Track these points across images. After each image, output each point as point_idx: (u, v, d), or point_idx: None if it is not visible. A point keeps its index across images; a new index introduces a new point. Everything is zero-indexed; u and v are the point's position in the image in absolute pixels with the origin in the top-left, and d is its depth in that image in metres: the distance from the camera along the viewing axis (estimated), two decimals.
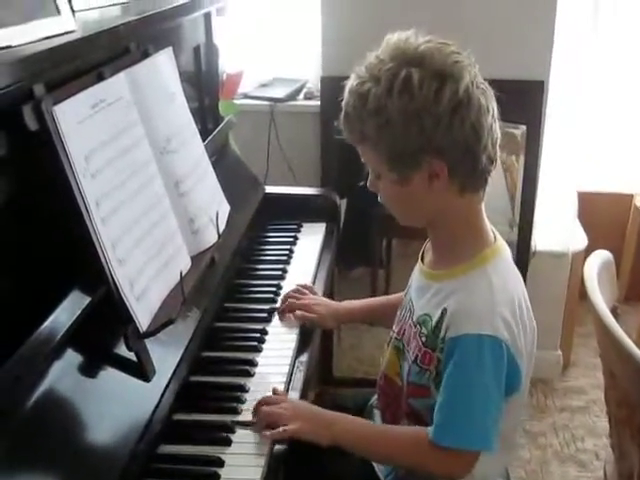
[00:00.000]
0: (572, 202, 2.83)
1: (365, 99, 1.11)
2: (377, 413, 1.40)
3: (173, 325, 1.16)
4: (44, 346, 0.95)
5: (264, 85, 2.83)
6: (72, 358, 1.02)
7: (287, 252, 1.82)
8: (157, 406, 1.13)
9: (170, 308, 1.20)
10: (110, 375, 1.09)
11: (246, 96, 2.74)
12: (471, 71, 1.12)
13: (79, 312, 1.02)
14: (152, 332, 1.14)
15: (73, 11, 1.22)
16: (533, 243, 2.52)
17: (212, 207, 1.49)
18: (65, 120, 1.03)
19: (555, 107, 2.53)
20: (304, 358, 1.44)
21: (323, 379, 2.62)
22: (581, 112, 2.97)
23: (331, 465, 1.29)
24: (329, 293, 1.74)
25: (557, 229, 2.73)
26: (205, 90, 1.89)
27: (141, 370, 1.12)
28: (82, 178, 1.05)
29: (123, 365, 1.11)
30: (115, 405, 1.06)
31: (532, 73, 2.29)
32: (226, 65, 2.34)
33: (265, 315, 1.54)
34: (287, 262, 1.78)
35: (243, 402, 1.26)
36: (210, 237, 1.44)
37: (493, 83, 1.15)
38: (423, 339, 1.20)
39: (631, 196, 3.12)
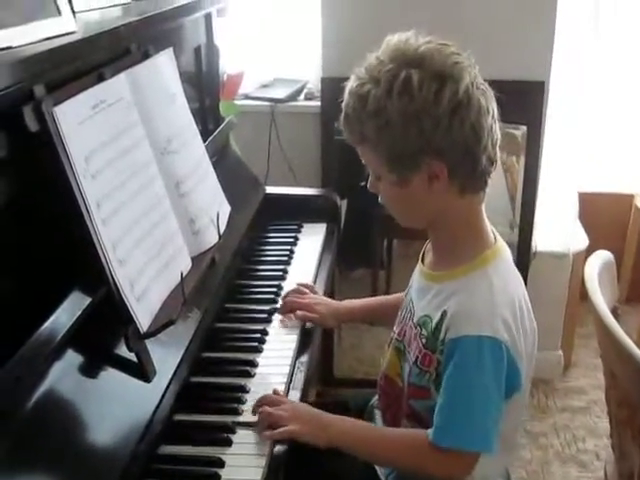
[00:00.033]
0: (573, 202, 2.83)
1: (365, 100, 1.11)
2: (378, 413, 1.40)
3: (174, 326, 1.17)
4: (45, 347, 0.95)
5: (265, 86, 2.83)
6: (73, 359, 1.02)
7: (288, 253, 1.82)
8: (158, 407, 1.13)
9: (171, 309, 1.20)
10: (111, 376, 1.09)
11: (247, 97, 2.74)
12: (471, 72, 1.12)
13: (80, 313, 1.02)
14: (152, 333, 1.14)
15: (74, 12, 1.23)
16: (534, 244, 2.52)
17: (213, 208, 1.49)
18: (65, 121, 1.03)
19: (555, 108, 2.53)
20: (304, 358, 1.43)
21: (324, 379, 2.62)
22: (581, 112, 2.97)
23: (332, 465, 1.29)
24: (330, 294, 1.74)
25: (558, 230, 2.73)
26: (206, 91, 1.89)
27: (142, 371, 1.12)
28: (82, 179, 1.05)
29: (124, 366, 1.11)
30: (116, 406, 1.06)
31: (533, 74, 2.29)
32: (227, 66, 2.35)
33: (266, 316, 1.54)
34: (288, 263, 1.78)
35: (244, 403, 1.26)
36: (211, 238, 1.45)
37: (493, 84, 1.15)
38: (423, 341, 1.20)
39: (632, 196, 3.11)
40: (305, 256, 1.83)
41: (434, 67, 1.09)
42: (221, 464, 1.13)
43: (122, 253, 1.11)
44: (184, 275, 1.27)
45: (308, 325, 1.54)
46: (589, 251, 2.37)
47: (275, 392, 1.27)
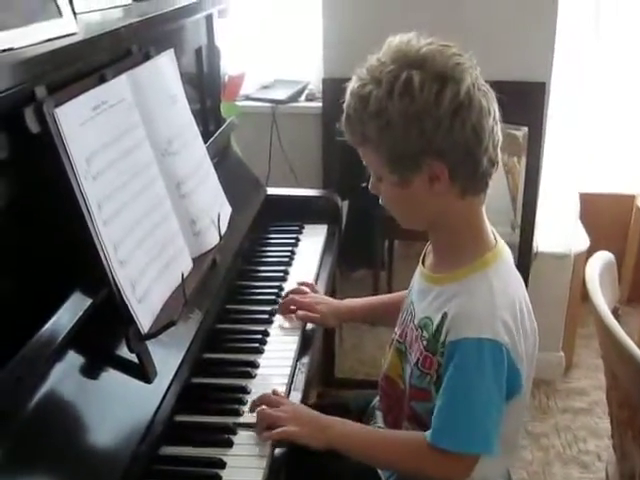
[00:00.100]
0: (574, 203, 2.83)
1: (366, 101, 1.11)
2: (379, 415, 1.40)
3: (175, 327, 1.16)
4: (46, 348, 0.95)
5: (266, 87, 2.83)
6: (74, 360, 1.02)
7: (289, 254, 1.82)
8: (158, 408, 1.13)
9: (172, 310, 1.20)
10: (112, 377, 1.09)
11: (248, 98, 2.74)
12: (472, 73, 1.12)
13: (81, 314, 1.03)
14: (153, 334, 1.14)
15: (75, 13, 1.23)
16: (535, 244, 2.52)
17: (214, 209, 1.49)
18: (67, 122, 1.03)
19: (557, 108, 2.53)
20: (305, 359, 1.44)
21: (325, 380, 2.62)
22: (582, 113, 2.97)
23: (332, 467, 1.29)
24: (331, 295, 1.74)
25: (559, 230, 2.73)
26: (207, 92, 1.89)
27: (142, 372, 1.12)
28: (83, 180, 1.05)
29: (124, 367, 1.11)
30: (117, 406, 1.07)
31: (534, 74, 2.29)
32: (228, 67, 2.35)
33: (267, 317, 1.54)
34: (289, 264, 1.78)
35: (245, 404, 1.26)
36: (212, 239, 1.45)
37: (494, 84, 1.15)
38: (424, 343, 1.20)
39: (633, 197, 3.11)
40: (306, 257, 1.83)
41: (435, 68, 1.09)
42: (222, 465, 1.13)
43: (123, 254, 1.11)
44: (185, 276, 1.28)
45: (309, 326, 1.54)
46: (590, 252, 2.37)
47: (274, 392, 1.27)
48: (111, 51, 1.29)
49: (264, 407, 1.21)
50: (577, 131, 2.97)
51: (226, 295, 1.59)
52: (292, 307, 1.55)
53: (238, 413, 1.24)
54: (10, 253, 0.99)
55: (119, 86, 1.23)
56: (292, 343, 1.46)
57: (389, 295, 1.61)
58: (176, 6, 1.60)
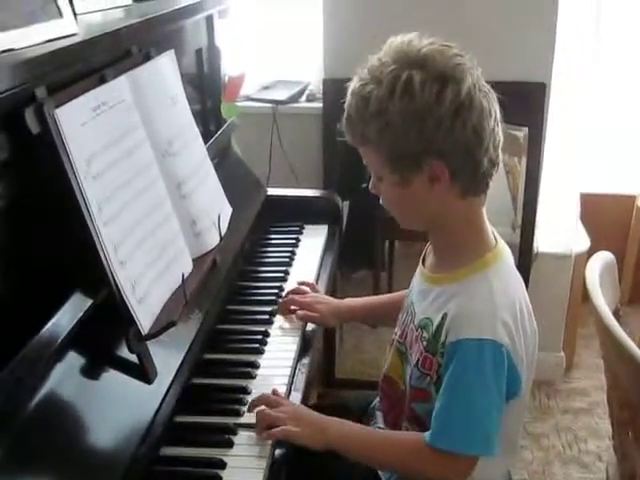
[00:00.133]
0: (574, 203, 2.83)
1: (367, 101, 1.11)
2: (379, 415, 1.40)
3: (175, 327, 1.17)
4: (46, 348, 0.95)
5: (266, 87, 2.83)
6: (74, 360, 1.02)
7: (289, 254, 1.82)
8: (159, 408, 1.13)
9: (172, 310, 1.20)
10: (112, 377, 1.09)
11: (248, 98, 2.74)
12: (473, 73, 1.11)
13: (81, 314, 1.02)
14: (154, 334, 1.14)
15: (75, 14, 1.23)
16: (535, 245, 2.52)
17: (214, 209, 1.49)
18: (67, 123, 1.03)
19: (557, 109, 2.52)
20: (306, 360, 1.44)
21: (325, 381, 2.62)
22: (583, 113, 2.97)
23: (333, 467, 1.29)
24: (331, 295, 1.74)
25: (559, 231, 2.73)
26: (207, 92, 1.89)
27: (143, 372, 1.12)
28: (84, 180, 1.05)
29: (125, 367, 1.11)
30: (117, 407, 1.07)
31: (534, 75, 2.29)
32: (228, 67, 2.34)
33: (267, 317, 1.54)
34: (289, 264, 1.78)
35: (245, 404, 1.26)
36: (212, 239, 1.45)
37: (495, 85, 1.15)
38: (424, 343, 1.20)
39: (634, 197, 3.11)
40: (307, 258, 1.83)
41: (436, 68, 1.09)
42: (222, 465, 1.13)
43: (123, 255, 1.11)
44: (185, 277, 1.28)
45: (309, 327, 1.54)
46: (591, 252, 2.36)
47: (274, 392, 1.27)
48: (111, 52, 1.29)
49: (264, 407, 1.21)
50: (577, 131, 2.97)
51: (226, 295, 1.59)
52: (292, 307, 1.55)
53: (238, 413, 1.24)
54: (10, 253, 0.99)
55: (119, 87, 1.23)
56: (292, 344, 1.46)
57: (389, 295, 1.61)
58: (176, 7, 1.60)
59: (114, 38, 1.27)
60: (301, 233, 1.95)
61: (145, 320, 1.13)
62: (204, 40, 1.86)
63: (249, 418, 1.22)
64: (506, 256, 1.22)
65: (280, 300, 1.59)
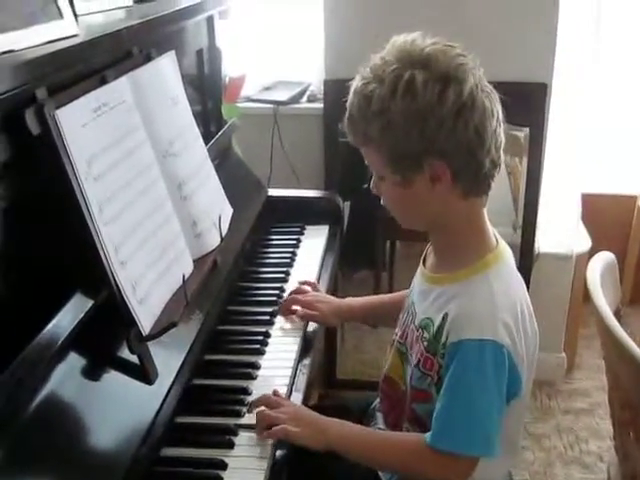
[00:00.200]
0: (575, 204, 2.83)
1: (369, 100, 1.11)
2: (379, 416, 1.40)
3: (176, 328, 1.17)
4: (47, 349, 0.95)
5: (267, 88, 2.83)
6: (74, 361, 1.02)
7: (290, 255, 1.82)
8: (160, 409, 1.13)
9: (173, 311, 1.20)
10: (113, 378, 1.09)
11: (249, 99, 2.74)
12: (476, 74, 1.11)
13: (82, 315, 1.03)
14: (154, 335, 1.14)
15: (75, 15, 1.23)
16: (536, 245, 2.52)
17: (215, 210, 1.49)
18: (67, 124, 1.03)
19: (558, 109, 2.52)
20: (307, 361, 1.43)
21: (326, 382, 2.62)
22: (584, 114, 2.97)
23: (334, 468, 1.29)
24: (332, 295, 1.74)
25: (560, 231, 2.73)
26: (208, 93, 1.89)
27: (144, 373, 1.12)
28: (84, 181, 1.05)
29: (126, 368, 1.11)
30: (118, 408, 1.07)
31: (535, 75, 2.29)
32: (229, 68, 2.34)
33: (268, 318, 1.54)
34: (290, 265, 1.78)
35: (246, 405, 1.26)
36: (213, 240, 1.45)
37: (496, 85, 1.14)
38: (425, 344, 1.20)
39: (635, 197, 3.11)
40: (308, 258, 1.83)
41: (439, 68, 1.09)
42: (223, 466, 1.13)
43: (124, 255, 1.12)
44: (186, 277, 1.28)
45: (310, 327, 1.54)
46: (592, 252, 2.36)
47: (275, 393, 1.27)
48: (112, 53, 1.29)
49: (264, 408, 1.21)
50: (578, 131, 2.97)
51: (227, 296, 1.59)
52: (293, 307, 1.55)
53: (239, 414, 1.24)
54: (11, 254, 0.99)
55: (120, 88, 1.23)
56: (293, 344, 1.46)
57: (390, 295, 1.61)
58: (177, 8, 1.60)
59: (115, 39, 1.27)
60: (302, 234, 1.95)
61: (146, 321, 1.13)
62: (205, 41, 1.86)
63: (250, 419, 1.22)
64: (507, 257, 1.22)
65: (281, 301, 1.59)
